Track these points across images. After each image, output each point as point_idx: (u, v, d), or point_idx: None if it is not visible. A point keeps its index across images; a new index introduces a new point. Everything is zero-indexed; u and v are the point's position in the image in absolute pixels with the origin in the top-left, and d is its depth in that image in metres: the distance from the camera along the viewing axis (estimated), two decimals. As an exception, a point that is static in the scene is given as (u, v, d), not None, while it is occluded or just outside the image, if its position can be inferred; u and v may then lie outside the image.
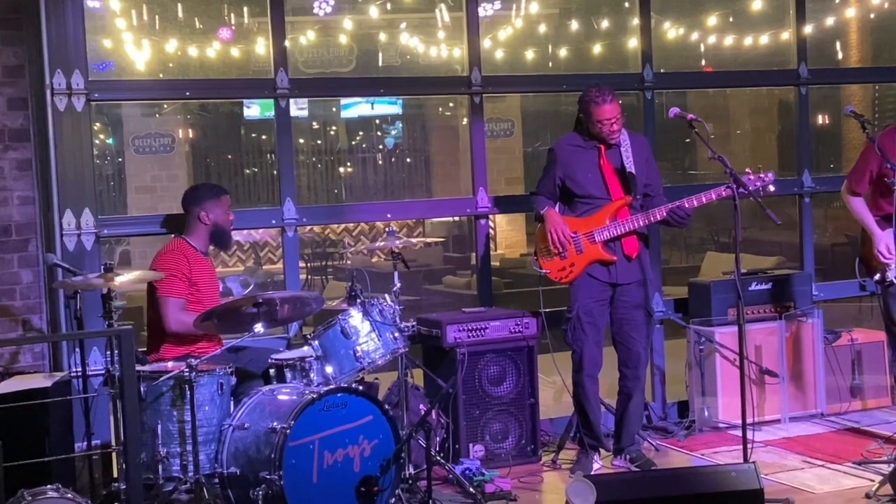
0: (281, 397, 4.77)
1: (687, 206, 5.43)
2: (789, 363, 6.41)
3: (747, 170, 5.34)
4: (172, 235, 5.38)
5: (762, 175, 5.31)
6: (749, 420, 5.20)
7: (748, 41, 8.75)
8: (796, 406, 6.42)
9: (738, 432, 5.16)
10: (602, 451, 5.72)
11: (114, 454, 4.92)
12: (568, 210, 5.62)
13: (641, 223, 5.48)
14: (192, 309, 5.13)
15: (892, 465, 4.98)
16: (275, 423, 4.55)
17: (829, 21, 8.49)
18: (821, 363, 6.47)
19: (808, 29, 7.22)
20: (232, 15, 8.38)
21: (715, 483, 4.42)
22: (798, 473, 5.44)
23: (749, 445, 5.08)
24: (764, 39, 8.32)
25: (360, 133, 13.68)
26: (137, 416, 4.41)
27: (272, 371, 5.05)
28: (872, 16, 9.41)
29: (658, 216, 5.48)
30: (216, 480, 4.66)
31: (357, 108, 12.40)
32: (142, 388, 4.59)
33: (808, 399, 6.47)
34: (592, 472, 5.42)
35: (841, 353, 6.57)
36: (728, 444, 5.91)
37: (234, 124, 12.21)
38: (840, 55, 10.08)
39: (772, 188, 5.34)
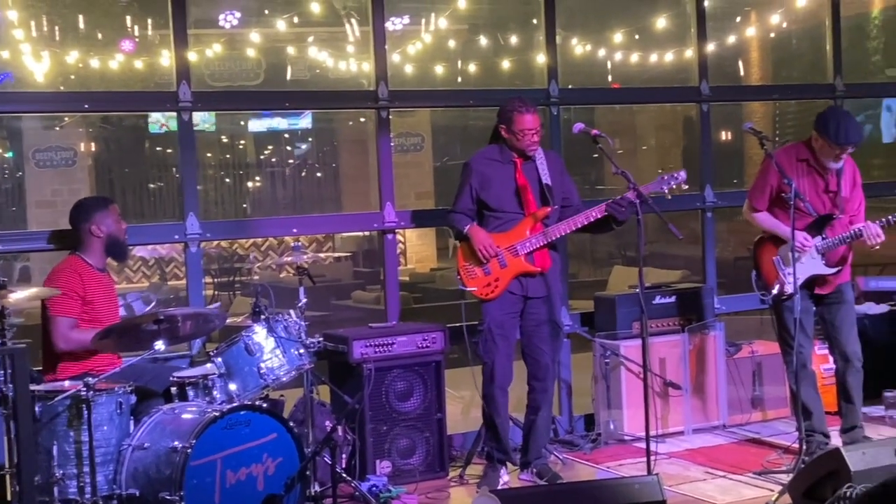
0: (182, 416, 4.69)
1: (630, 196, 5.40)
2: (692, 375, 6.51)
3: (660, 171, 5.42)
4: (68, 252, 5.25)
5: (674, 174, 5.41)
6: (653, 432, 5.26)
7: (653, 58, 8.90)
8: (699, 418, 6.51)
9: (643, 444, 5.22)
10: (509, 465, 5.72)
11: (7, 476, 4.76)
12: (479, 224, 5.60)
13: (563, 230, 5.49)
14: (89, 327, 5.00)
15: (791, 475, 5.08)
16: (176, 443, 4.47)
17: (731, 39, 8.67)
18: (723, 375, 6.58)
19: (710, 47, 7.36)
20: (136, 27, 8.24)
21: (618, 495, 4.45)
22: (700, 484, 5.51)
23: (652, 457, 5.13)
24: (669, 57, 8.47)
25: (270, 147, 13.57)
26: (32, 437, 4.30)
27: (174, 389, 4.96)
28: (772, 35, 9.64)
29: (594, 215, 5.44)
30: (115, 502, 4.56)
31: (268, 121, 12.29)
32: (36, 409, 4.47)
33: (711, 411, 6.57)
34: (500, 487, 5.42)
35: (742, 365, 6.68)
36: (633, 456, 5.97)
37: (139, 137, 12.01)
38: (742, 73, 10.31)
39: (685, 186, 5.43)
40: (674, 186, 5.40)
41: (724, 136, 11.19)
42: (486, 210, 5.59)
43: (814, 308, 5.78)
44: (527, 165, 5.58)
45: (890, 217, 5.59)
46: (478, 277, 5.53)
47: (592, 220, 5.48)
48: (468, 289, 5.56)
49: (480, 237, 5.50)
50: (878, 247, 5.59)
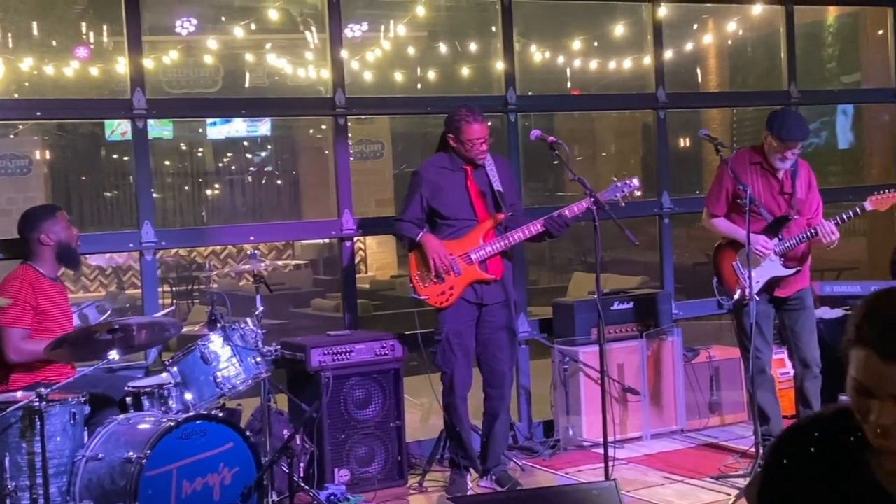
0: (137, 426, 4.64)
1: (569, 214, 5.46)
2: (650, 381, 6.53)
3: (613, 177, 5.46)
4: (19, 262, 5.18)
5: (627, 181, 5.44)
6: (611, 438, 5.29)
7: (612, 65, 8.95)
8: (657, 423, 6.54)
9: (602, 450, 5.22)
10: (471, 471, 5.70)
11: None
12: (431, 232, 5.59)
13: (516, 239, 5.50)
14: (42, 337, 4.94)
15: (748, 479, 5.11)
16: (130, 453, 4.42)
17: (689, 47, 8.73)
18: (680, 380, 6.61)
19: (668, 54, 7.40)
20: (91, 33, 8.16)
21: (576, 502, 4.46)
22: (659, 489, 5.53)
23: (611, 463, 5.15)
24: (627, 64, 8.51)
25: (229, 155, 13.49)
26: (-18, 449, 4.23)
27: (129, 399, 4.91)
28: (729, 42, 9.73)
29: (535, 229, 5.49)
30: (68, 514, 4.50)
31: (226, 127, 12.19)
32: (-12, 420, 4.40)
33: (669, 416, 6.60)
34: (468, 493, 5.42)
35: (700, 371, 6.72)
36: (592, 462, 5.97)
37: (95, 145, 11.90)
38: (700, 80, 10.40)
39: (638, 193, 5.46)
40: (627, 193, 5.42)
41: (683, 142, 11.27)
42: (439, 218, 5.57)
43: (773, 313, 5.82)
44: (477, 172, 5.58)
45: (843, 215, 5.66)
46: (431, 286, 5.51)
47: (535, 233, 5.51)
48: (421, 297, 5.53)
49: (434, 246, 5.47)
50: (834, 245, 5.65)
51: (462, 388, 5.57)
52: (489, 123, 5.60)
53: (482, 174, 5.58)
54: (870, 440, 1.94)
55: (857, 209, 5.72)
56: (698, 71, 10.25)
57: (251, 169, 13.55)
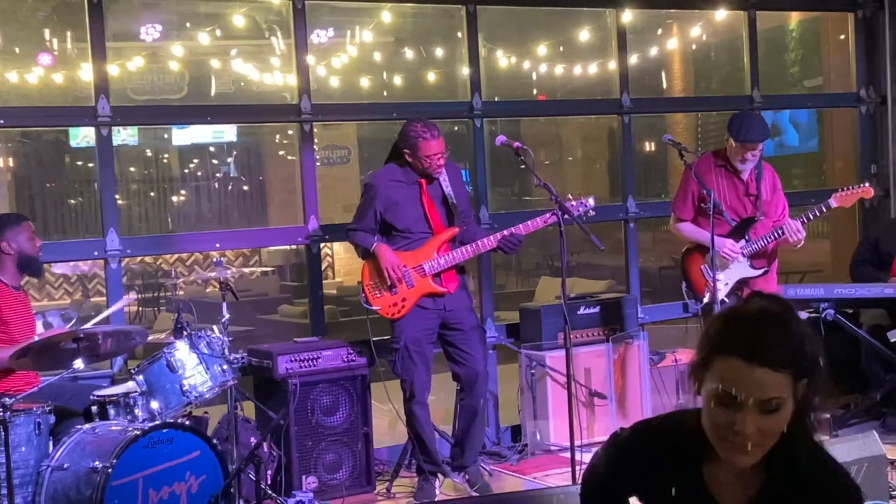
0: (103, 435, 4.62)
1: (523, 231, 5.50)
2: (617, 385, 6.57)
3: (569, 196, 5.48)
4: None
5: (582, 200, 5.46)
6: (579, 442, 5.30)
7: (577, 70, 8.99)
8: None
9: (569, 454, 5.24)
10: (441, 476, 5.71)
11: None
12: (386, 243, 5.59)
13: (470, 253, 5.52)
14: (5, 347, 4.89)
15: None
16: (96, 463, 4.41)
17: (653, 52, 8.80)
18: (647, 384, 6.65)
19: (633, 59, 7.45)
20: (55, 40, 8.11)
21: (543, 506, 4.48)
22: (625, 493, 5.54)
23: (577, 467, 5.16)
24: (593, 69, 8.56)
25: (195, 161, 13.43)
26: (-55, 460, 4.20)
27: (94, 408, 4.89)
28: (693, 47, 9.81)
29: (489, 245, 5.52)
30: (33, 524, 4.47)
31: (192, 134, 12.13)
32: (-49, 431, 4.36)
33: (636, 419, 6.58)
34: (437, 498, 5.43)
35: (666, 374, 6.76)
36: (559, 466, 6.00)
37: (59, 152, 11.81)
38: (665, 85, 10.47)
39: (592, 213, 5.49)
40: (582, 213, 5.43)
41: (648, 146, 11.34)
42: (394, 230, 5.56)
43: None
44: (431, 185, 5.57)
45: (809, 213, 5.74)
46: (384, 296, 5.50)
47: (489, 248, 5.53)
48: (373, 307, 5.52)
49: (387, 257, 5.46)
50: (800, 244, 5.72)
51: (421, 395, 5.58)
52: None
53: (436, 186, 5.58)
54: (722, 454, 1.99)
55: (823, 207, 5.81)
56: (663, 76, 10.32)
57: (217, 175, 13.49)
